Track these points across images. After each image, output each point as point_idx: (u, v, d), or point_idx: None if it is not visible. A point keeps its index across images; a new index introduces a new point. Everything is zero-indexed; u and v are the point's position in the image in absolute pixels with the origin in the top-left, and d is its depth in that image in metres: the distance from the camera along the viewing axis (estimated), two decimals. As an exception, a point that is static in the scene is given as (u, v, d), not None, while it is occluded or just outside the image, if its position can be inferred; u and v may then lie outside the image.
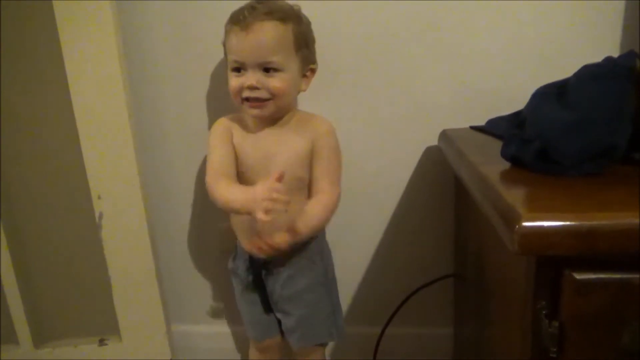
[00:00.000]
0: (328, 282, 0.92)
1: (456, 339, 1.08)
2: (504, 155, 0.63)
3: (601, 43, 0.92)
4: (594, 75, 0.56)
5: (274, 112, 0.82)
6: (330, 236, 0.97)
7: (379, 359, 1.08)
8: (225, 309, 1.18)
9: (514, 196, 0.52)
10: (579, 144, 0.54)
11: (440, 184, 1.03)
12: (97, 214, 0.99)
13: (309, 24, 0.85)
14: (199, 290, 1.18)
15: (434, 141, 0.98)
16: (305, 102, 0.95)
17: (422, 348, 1.13)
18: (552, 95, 0.58)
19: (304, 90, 0.86)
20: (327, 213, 0.83)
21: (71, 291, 1.09)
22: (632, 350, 0.48)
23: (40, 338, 1.11)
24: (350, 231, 1.07)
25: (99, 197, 0.98)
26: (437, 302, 1.10)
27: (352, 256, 1.10)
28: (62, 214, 1.05)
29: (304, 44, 0.82)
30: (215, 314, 1.20)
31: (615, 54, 0.90)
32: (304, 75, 0.85)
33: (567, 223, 0.46)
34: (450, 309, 1.10)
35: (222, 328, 1.20)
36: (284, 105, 0.83)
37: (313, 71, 0.86)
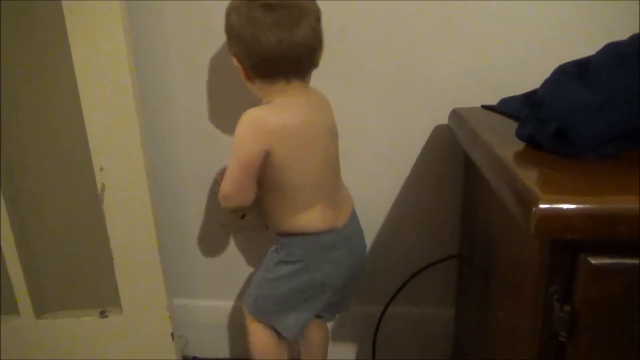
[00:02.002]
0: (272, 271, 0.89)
1: (457, 319, 1.08)
2: (520, 135, 0.61)
3: (618, 24, 0.89)
4: (618, 54, 0.53)
5: None
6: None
7: (380, 337, 1.08)
8: (226, 284, 1.18)
9: (531, 177, 0.50)
10: (600, 126, 0.52)
11: (448, 164, 1.01)
12: (99, 186, 0.98)
13: (233, 13, 0.79)
14: (201, 264, 1.18)
15: (443, 120, 0.96)
16: (318, 80, 0.93)
17: (422, 327, 1.13)
18: (573, 74, 0.56)
19: (247, 80, 0.83)
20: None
21: (72, 263, 1.09)
22: (645, 338, 0.48)
23: (41, 309, 1.11)
24: (356, 208, 1.06)
25: (101, 169, 0.97)
26: (439, 283, 1.10)
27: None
28: (64, 185, 1.04)
29: (228, 40, 0.81)
30: (216, 288, 1.20)
31: (635, 30, 0.88)
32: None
33: (587, 206, 0.44)
34: (452, 290, 1.10)
35: (222, 302, 1.20)
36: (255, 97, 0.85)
37: (238, 63, 0.81)
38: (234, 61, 0.81)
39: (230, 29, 0.79)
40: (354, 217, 0.92)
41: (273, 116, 0.78)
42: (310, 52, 0.79)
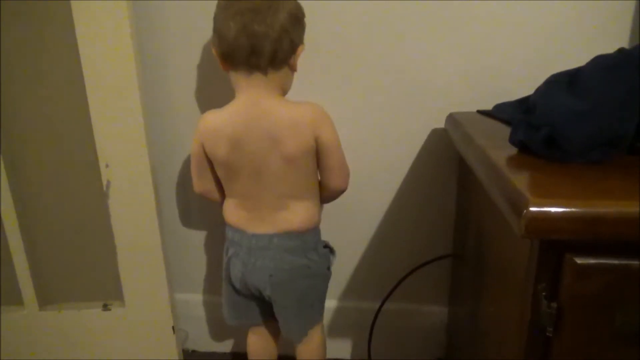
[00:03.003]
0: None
1: (450, 316, 1.11)
2: (512, 141, 0.64)
3: (611, 30, 0.92)
4: (606, 66, 0.57)
5: None
6: (332, 213, 0.98)
7: (375, 333, 1.11)
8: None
9: (522, 181, 0.53)
10: (587, 133, 0.55)
11: (444, 166, 1.04)
12: (104, 183, 1.00)
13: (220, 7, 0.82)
14: (202, 260, 1.21)
15: (439, 124, 0.99)
16: (314, 85, 0.96)
17: (417, 324, 1.16)
18: (563, 84, 0.59)
19: (224, 70, 0.85)
20: None
21: (76, 256, 1.11)
22: (625, 333, 0.51)
23: (45, 301, 1.13)
24: (352, 209, 1.09)
25: (107, 166, 0.99)
26: (434, 281, 1.13)
27: (352, 234, 1.12)
28: (71, 181, 1.05)
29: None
30: (216, 284, 1.22)
31: (625, 43, 0.91)
32: None
33: (573, 209, 0.47)
34: (446, 288, 1.13)
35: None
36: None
37: (215, 53, 0.84)
38: (213, 52, 0.84)
39: (213, 23, 0.83)
40: (281, 240, 0.87)
41: (210, 117, 0.85)
42: (272, 45, 0.78)
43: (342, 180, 0.90)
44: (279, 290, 0.89)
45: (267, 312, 0.96)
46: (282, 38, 0.79)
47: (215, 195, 0.94)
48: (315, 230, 0.91)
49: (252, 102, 0.82)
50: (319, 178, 0.90)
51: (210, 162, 0.88)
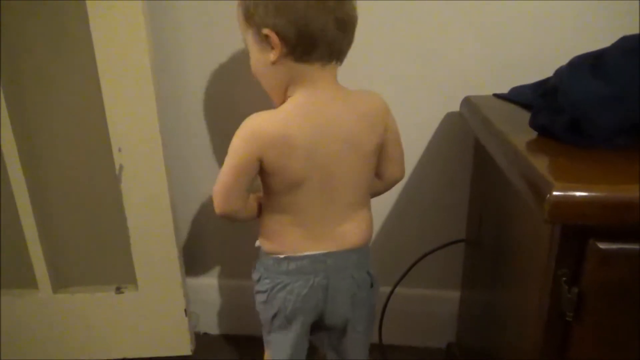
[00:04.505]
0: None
1: (462, 301, 1.12)
2: (533, 125, 0.63)
3: (631, 13, 0.90)
4: (632, 48, 0.55)
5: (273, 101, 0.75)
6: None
7: (386, 317, 1.12)
8: (238, 263, 1.21)
9: (544, 166, 0.53)
10: (615, 119, 0.54)
11: (458, 150, 1.03)
12: (117, 167, 1.00)
13: None
14: (214, 244, 1.21)
15: (454, 107, 0.98)
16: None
17: (429, 309, 1.17)
18: (587, 66, 0.58)
19: (273, 63, 0.69)
20: None
21: (90, 240, 1.12)
22: (648, 319, 0.51)
23: (59, 284, 1.14)
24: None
25: (120, 150, 0.99)
26: (446, 266, 1.13)
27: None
28: (84, 165, 1.06)
29: (252, 11, 0.68)
30: (228, 268, 1.23)
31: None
32: (267, 46, 0.69)
33: (598, 194, 0.47)
34: (459, 273, 1.13)
35: (234, 281, 1.23)
36: (268, 90, 0.75)
37: (269, 38, 0.67)
38: (270, 35, 0.67)
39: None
40: (352, 256, 0.78)
41: (271, 122, 0.69)
42: (354, 31, 0.71)
43: (403, 168, 0.83)
44: (359, 312, 0.79)
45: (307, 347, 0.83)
46: (356, 22, 0.71)
47: (243, 214, 0.78)
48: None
49: (320, 97, 0.71)
50: (377, 171, 0.80)
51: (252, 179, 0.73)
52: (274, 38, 0.67)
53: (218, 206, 0.74)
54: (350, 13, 0.69)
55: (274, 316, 0.78)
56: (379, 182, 0.82)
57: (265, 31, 0.67)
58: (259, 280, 0.80)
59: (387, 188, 0.85)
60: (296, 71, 0.70)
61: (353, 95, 0.74)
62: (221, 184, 0.72)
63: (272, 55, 0.68)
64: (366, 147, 0.73)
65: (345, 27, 0.68)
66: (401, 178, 0.84)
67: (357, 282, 0.78)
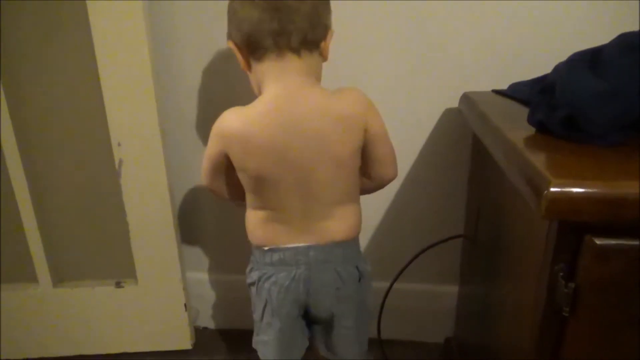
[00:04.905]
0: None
1: (460, 296, 1.12)
2: (531, 121, 0.63)
3: (631, 9, 0.91)
4: (631, 45, 0.55)
5: None
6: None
7: (385, 312, 1.12)
8: (237, 259, 1.21)
9: (542, 162, 0.53)
10: (610, 114, 0.54)
11: (456, 146, 1.04)
12: (116, 161, 1.00)
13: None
14: (213, 239, 1.21)
15: (453, 103, 0.98)
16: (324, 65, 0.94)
17: (426, 304, 1.17)
18: (585, 63, 0.58)
19: (244, 69, 0.75)
20: None
21: (90, 235, 1.12)
22: (643, 315, 0.51)
23: (59, 278, 1.15)
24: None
25: (119, 145, 0.99)
26: (444, 261, 1.13)
27: (363, 213, 1.11)
28: (84, 159, 1.06)
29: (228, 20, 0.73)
30: (227, 263, 1.23)
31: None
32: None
33: (595, 190, 0.47)
34: (456, 268, 1.13)
35: (233, 277, 1.23)
36: (256, 93, 0.77)
37: (234, 46, 0.73)
38: (230, 46, 0.73)
39: (228, 14, 0.74)
40: (339, 249, 0.77)
41: (236, 119, 0.71)
42: (304, 20, 0.68)
43: (393, 168, 0.80)
44: (344, 306, 0.79)
45: (305, 344, 0.84)
46: (313, 14, 0.69)
47: (226, 195, 0.84)
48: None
49: (288, 94, 0.70)
50: (364, 171, 0.79)
51: (230, 167, 0.76)
52: (232, 47, 0.73)
53: (202, 181, 0.82)
54: (290, 1, 0.67)
55: (264, 309, 0.78)
56: (368, 181, 0.81)
57: (229, 45, 0.74)
58: (249, 273, 0.81)
59: (378, 187, 0.84)
60: (260, 70, 0.72)
61: (328, 96, 0.72)
62: (203, 166, 0.79)
63: (240, 63, 0.74)
64: (339, 152, 0.71)
65: (283, 16, 0.67)
66: (393, 178, 0.82)
67: (342, 277, 0.77)
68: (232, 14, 0.71)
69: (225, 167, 0.77)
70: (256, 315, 0.82)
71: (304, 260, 0.75)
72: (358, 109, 0.72)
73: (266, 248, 0.77)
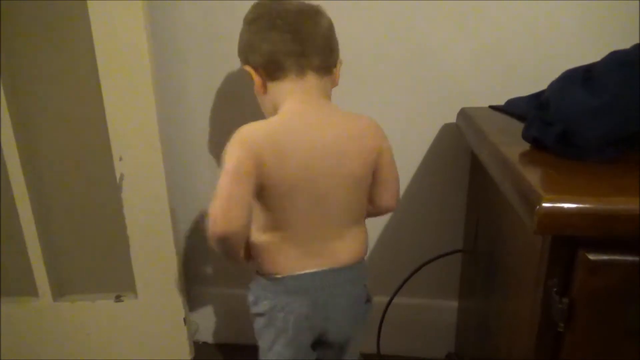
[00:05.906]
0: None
1: (460, 311, 1.12)
2: (525, 136, 0.64)
3: (625, 23, 0.91)
4: (622, 61, 0.56)
5: None
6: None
7: (384, 327, 1.12)
8: (237, 273, 1.22)
9: (535, 177, 0.53)
10: (603, 130, 0.55)
11: (455, 161, 1.04)
12: (118, 176, 1.01)
13: (246, 22, 0.76)
14: (214, 253, 1.20)
15: (451, 119, 0.99)
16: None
17: (426, 319, 1.17)
18: (578, 79, 0.59)
19: (259, 93, 0.77)
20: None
21: (90, 248, 1.13)
22: (638, 330, 0.51)
23: (59, 292, 1.15)
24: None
25: (121, 159, 1.00)
26: (443, 276, 1.13)
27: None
28: (85, 173, 1.07)
29: (238, 54, 0.77)
30: (227, 277, 1.23)
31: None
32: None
33: (587, 206, 0.47)
34: (456, 283, 1.13)
35: (233, 291, 1.23)
36: (266, 114, 0.78)
37: (251, 69, 0.74)
38: (248, 69, 0.75)
39: (240, 43, 0.77)
40: (350, 272, 0.76)
41: (259, 128, 0.69)
42: (323, 42, 0.72)
43: (395, 198, 0.81)
44: (357, 328, 0.79)
45: None
46: (329, 39, 0.73)
47: (242, 238, 0.71)
48: None
49: (310, 110, 0.71)
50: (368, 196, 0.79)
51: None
52: (249, 70, 0.74)
53: (215, 223, 0.66)
54: (309, 25, 0.71)
55: (275, 339, 0.75)
56: (369, 206, 0.80)
57: (246, 68, 0.75)
58: (256, 302, 0.77)
59: (377, 214, 0.84)
60: (277, 89, 0.73)
61: (346, 116, 0.74)
62: (219, 197, 0.66)
63: (256, 85, 0.75)
64: (356, 170, 0.72)
65: (304, 37, 0.71)
66: (393, 209, 0.82)
67: (356, 299, 0.78)
68: (247, 38, 0.74)
69: (249, 188, 0.67)
70: (264, 345, 0.78)
71: (320, 286, 0.73)
72: (373, 132, 0.75)
73: (279, 276, 0.73)
